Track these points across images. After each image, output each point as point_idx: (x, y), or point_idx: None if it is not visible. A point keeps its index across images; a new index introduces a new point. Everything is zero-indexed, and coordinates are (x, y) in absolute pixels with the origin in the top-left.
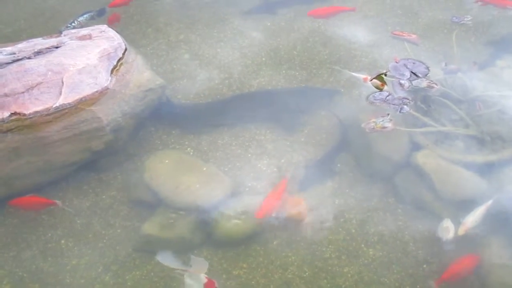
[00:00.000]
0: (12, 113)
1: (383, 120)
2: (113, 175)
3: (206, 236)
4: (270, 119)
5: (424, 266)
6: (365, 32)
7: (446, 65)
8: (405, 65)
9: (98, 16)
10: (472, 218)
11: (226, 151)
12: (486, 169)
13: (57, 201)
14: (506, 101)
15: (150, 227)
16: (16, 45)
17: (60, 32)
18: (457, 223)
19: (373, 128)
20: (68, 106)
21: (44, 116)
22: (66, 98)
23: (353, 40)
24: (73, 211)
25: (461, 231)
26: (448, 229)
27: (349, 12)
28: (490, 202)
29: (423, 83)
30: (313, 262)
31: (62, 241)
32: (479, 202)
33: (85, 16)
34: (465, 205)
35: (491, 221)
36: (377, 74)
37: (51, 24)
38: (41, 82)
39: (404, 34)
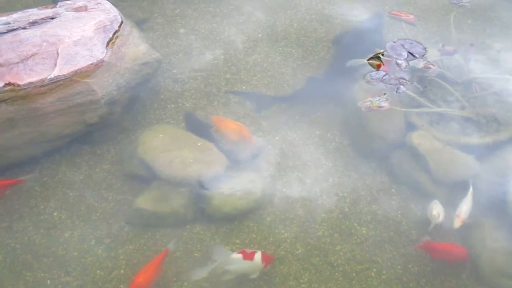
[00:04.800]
0: (6, 84)
1: (379, 100)
2: (107, 148)
3: (200, 211)
4: None
5: (417, 246)
6: (363, 11)
7: (443, 46)
8: (402, 45)
9: None
10: (465, 208)
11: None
12: (481, 151)
13: (22, 178)
14: (502, 83)
15: (144, 201)
16: (11, 15)
17: (55, 3)
18: (449, 204)
19: (369, 107)
20: (62, 78)
21: (39, 88)
22: (61, 69)
23: (351, 19)
24: (39, 187)
25: (457, 224)
26: (436, 211)
27: None
28: (471, 189)
29: (420, 63)
30: (305, 240)
31: (55, 214)
32: (470, 184)
33: None
34: (459, 186)
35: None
36: (374, 54)
37: None
38: (36, 53)
39: (401, 14)
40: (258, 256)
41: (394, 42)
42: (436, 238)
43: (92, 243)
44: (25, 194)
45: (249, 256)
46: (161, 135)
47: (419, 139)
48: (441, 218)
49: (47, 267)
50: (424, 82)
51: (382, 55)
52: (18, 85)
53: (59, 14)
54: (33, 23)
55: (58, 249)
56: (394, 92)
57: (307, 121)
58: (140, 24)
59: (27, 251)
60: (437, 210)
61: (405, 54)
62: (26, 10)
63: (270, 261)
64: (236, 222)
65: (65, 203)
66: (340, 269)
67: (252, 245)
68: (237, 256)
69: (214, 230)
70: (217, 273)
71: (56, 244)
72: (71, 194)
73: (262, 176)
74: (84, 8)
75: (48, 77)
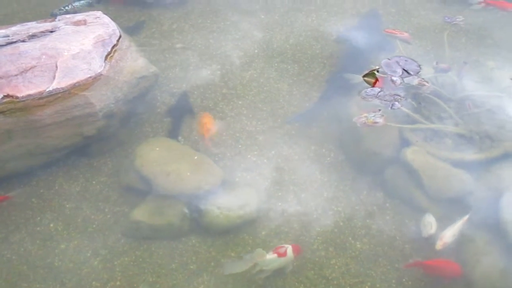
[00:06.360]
0: (5, 96)
1: (374, 115)
2: (104, 161)
3: (196, 224)
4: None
5: (410, 260)
6: (358, 28)
7: (437, 64)
8: (397, 62)
9: (97, 3)
10: (450, 232)
11: (217, 140)
12: (474, 167)
13: (8, 195)
14: (495, 101)
15: (140, 213)
16: (10, 28)
17: (54, 16)
18: (442, 219)
19: (365, 123)
20: (61, 91)
21: (37, 100)
22: (60, 82)
23: (346, 36)
24: (35, 199)
25: (438, 246)
26: (429, 225)
27: None
28: (466, 216)
29: (415, 80)
30: (300, 253)
31: (51, 225)
32: (465, 199)
33: (81, 2)
34: (452, 201)
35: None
36: (369, 71)
37: (44, 9)
38: (35, 66)
39: (396, 32)
40: (289, 250)
41: (389, 59)
42: (427, 256)
43: (88, 254)
44: (22, 206)
45: (282, 254)
46: (157, 148)
47: (413, 155)
48: (433, 230)
49: (43, 278)
50: (419, 99)
51: (377, 71)
52: (17, 97)
53: (58, 28)
54: (33, 36)
55: (54, 260)
56: (389, 108)
57: (302, 136)
58: (135, 29)
59: (23, 262)
60: (429, 222)
61: (399, 71)
62: (25, 24)
63: (300, 251)
64: (231, 235)
65: (62, 214)
66: (335, 282)
67: None
68: (272, 256)
69: (209, 242)
70: (252, 272)
71: (52, 255)
72: (67, 205)
73: (258, 190)
74: (83, 22)
75: (47, 90)
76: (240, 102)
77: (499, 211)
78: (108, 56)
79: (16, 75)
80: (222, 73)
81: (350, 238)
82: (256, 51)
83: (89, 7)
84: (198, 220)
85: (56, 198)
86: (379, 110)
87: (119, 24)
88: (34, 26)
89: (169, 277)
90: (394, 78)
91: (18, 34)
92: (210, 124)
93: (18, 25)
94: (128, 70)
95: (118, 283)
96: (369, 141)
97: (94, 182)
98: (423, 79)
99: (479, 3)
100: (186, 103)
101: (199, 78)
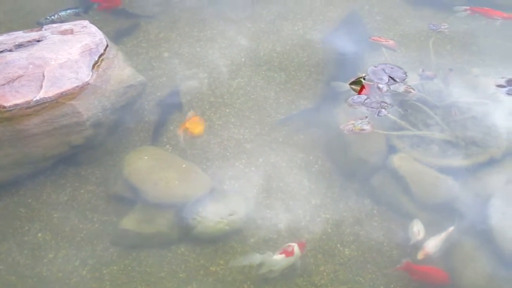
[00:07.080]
0: None
1: (361, 123)
2: (92, 170)
3: (184, 232)
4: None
5: (398, 266)
6: (344, 36)
7: (423, 71)
8: (383, 69)
9: (84, 13)
10: (433, 243)
11: (205, 149)
12: (460, 173)
13: None
14: (480, 107)
15: (128, 222)
16: None
17: (40, 25)
18: (430, 225)
19: (352, 130)
20: (48, 100)
21: (24, 109)
22: (47, 92)
23: (332, 44)
24: (23, 209)
25: (420, 256)
26: (417, 230)
27: None
28: (451, 228)
29: (401, 88)
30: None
31: (39, 235)
32: (452, 205)
33: (68, 11)
34: (439, 207)
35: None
36: (356, 78)
37: (30, 19)
38: (22, 75)
39: (382, 40)
40: (296, 249)
41: (375, 67)
42: (414, 262)
43: (77, 264)
44: (10, 215)
45: (290, 253)
46: (145, 157)
47: (400, 162)
48: (421, 236)
49: None
50: (405, 106)
51: (364, 79)
52: (4, 107)
53: (45, 37)
54: (19, 46)
55: (42, 270)
56: (376, 115)
57: (290, 144)
58: (128, 32)
59: (11, 272)
60: (417, 228)
61: (386, 78)
62: (11, 33)
63: (304, 246)
64: (220, 243)
65: (50, 224)
66: None
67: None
68: (280, 256)
69: (198, 251)
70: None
71: (41, 265)
72: (55, 215)
73: (246, 197)
74: (70, 31)
75: (34, 99)
76: (227, 110)
77: (486, 216)
78: (95, 65)
79: (3, 84)
80: (209, 81)
81: (338, 245)
82: (243, 59)
83: (76, 16)
84: (187, 229)
85: (44, 208)
86: (366, 117)
87: (106, 33)
88: (20, 36)
89: (158, 285)
90: (380, 86)
91: (5, 43)
92: (195, 123)
93: (5, 35)
94: (116, 79)
95: None
96: (356, 148)
97: (82, 191)
98: (409, 86)
99: (464, 10)
100: (174, 101)
101: (186, 87)
